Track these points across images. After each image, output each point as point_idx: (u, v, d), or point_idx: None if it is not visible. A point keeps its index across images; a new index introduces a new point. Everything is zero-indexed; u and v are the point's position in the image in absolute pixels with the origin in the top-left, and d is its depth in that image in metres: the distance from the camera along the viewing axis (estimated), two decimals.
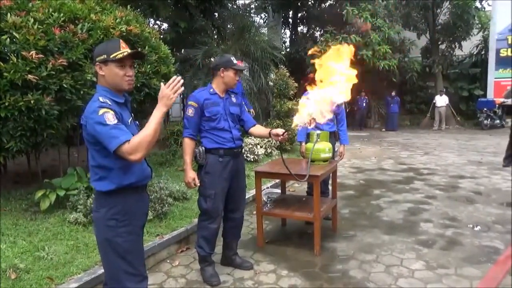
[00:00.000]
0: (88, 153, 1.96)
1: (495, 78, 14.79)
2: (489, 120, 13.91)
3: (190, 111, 2.91)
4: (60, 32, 3.51)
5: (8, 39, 3.26)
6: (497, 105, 13.59)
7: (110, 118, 1.77)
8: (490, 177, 6.45)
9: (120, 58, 1.86)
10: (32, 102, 3.26)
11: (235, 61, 2.98)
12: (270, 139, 7.66)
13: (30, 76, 3.23)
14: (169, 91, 1.82)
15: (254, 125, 3.15)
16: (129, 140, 1.75)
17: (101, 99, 1.83)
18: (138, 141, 1.75)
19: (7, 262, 2.78)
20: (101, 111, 1.78)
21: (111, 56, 1.86)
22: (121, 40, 1.95)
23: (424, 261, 3.31)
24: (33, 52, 3.27)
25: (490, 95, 14.66)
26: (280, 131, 2.85)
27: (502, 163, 7.16)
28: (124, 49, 1.90)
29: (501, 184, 5.93)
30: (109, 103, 1.83)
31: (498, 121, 13.94)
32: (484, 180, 6.21)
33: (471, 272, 3.10)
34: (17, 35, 3.28)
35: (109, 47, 1.89)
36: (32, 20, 3.41)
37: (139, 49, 2.17)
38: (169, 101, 1.83)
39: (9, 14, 3.37)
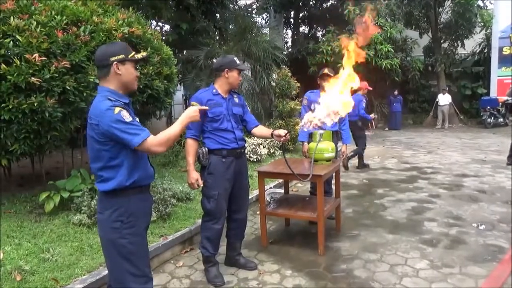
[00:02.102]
0: (91, 155, 1.97)
1: (498, 76, 14.73)
2: (492, 118, 13.84)
3: None
4: (63, 34, 3.52)
5: (11, 42, 3.27)
6: (500, 103, 13.53)
7: (126, 115, 1.84)
8: (494, 175, 6.42)
9: (138, 59, 1.97)
10: (35, 104, 3.27)
11: (238, 62, 3.00)
12: (272, 139, 7.67)
13: (33, 79, 3.24)
14: (198, 113, 2.07)
15: (257, 126, 3.16)
16: (150, 136, 1.87)
17: (111, 98, 1.86)
18: (165, 136, 1.89)
19: (12, 264, 2.80)
20: (117, 109, 1.82)
21: (129, 56, 1.93)
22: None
23: (429, 260, 3.30)
24: (36, 55, 3.28)
25: (493, 93, 14.59)
26: (282, 132, 2.87)
27: (506, 161, 7.13)
28: (133, 51, 1.99)
29: (505, 182, 5.90)
30: (121, 102, 1.89)
31: (501, 119, 13.87)
32: (488, 179, 6.19)
33: (476, 271, 3.08)
34: (20, 38, 3.30)
35: (123, 48, 1.96)
36: (35, 23, 3.42)
37: (142, 52, 2.25)
38: (194, 118, 2.07)
39: (12, 17, 3.38)
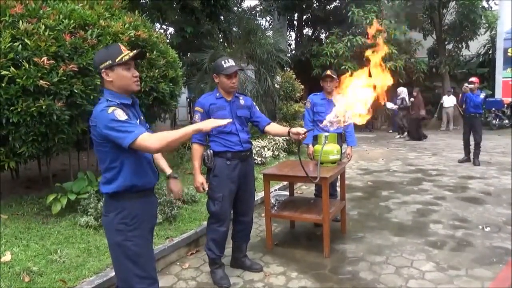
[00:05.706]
0: (97, 157, 2.00)
1: (503, 77, 14.67)
2: (497, 120, 13.79)
3: (196, 117, 2.97)
4: (71, 38, 3.56)
5: (20, 46, 3.31)
6: (505, 105, 13.48)
7: (121, 114, 1.82)
8: (500, 177, 6.39)
9: (126, 60, 1.89)
10: (43, 107, 3.31)
11: (225, 65, 2.91)
12: (277, 141, 7.72)
13: (41, 82, 3.28)
14: (213, 124, 1.96)
15: (269, 124, 3.12)
16: (144, 133, 1.80)
17: (109, 99, 1.88)
18: (162, 135, 1.81)
19: (20, 265, 2.83)
20: (110, 109, 1.82)
21: (116, 60, 1.89)
22: (119, 44, 1.99)
23: (435, 262, 3.29)
24: (44, 58, 3.32)
25: (498, 94, 14.54)
26: (301, 130, 2.78)
27: (511, 162, 7.11)
28: (126, 51, 1.93)
29: (510, 184, 5.88)
30: (117, 102, 1.88)
31: (507, 121, 13.82)
32: (494, 181, 6.17)
33: (483, 273, 3.08)
34: (28, 42, 3.34)
35: (111, 52, 1.92)
36: (43, 27, 3.46)
37: (141, 49, 2.13)
38: (207, 128, 1.94)
39: (21, 21, 3.43)
